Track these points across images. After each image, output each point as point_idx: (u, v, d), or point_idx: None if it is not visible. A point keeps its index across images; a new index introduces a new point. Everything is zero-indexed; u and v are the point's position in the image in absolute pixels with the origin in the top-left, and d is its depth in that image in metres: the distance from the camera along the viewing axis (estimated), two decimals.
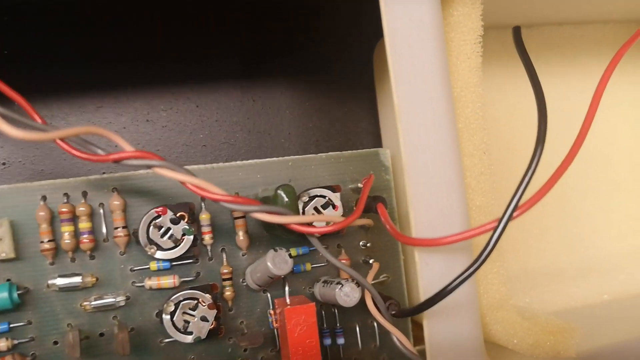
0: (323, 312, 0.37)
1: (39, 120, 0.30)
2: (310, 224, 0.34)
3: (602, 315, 0.40)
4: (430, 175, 0.31)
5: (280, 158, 0.37)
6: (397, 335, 0.33)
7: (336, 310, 0.37)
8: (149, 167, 0.30)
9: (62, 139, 0.29)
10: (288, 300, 0.36)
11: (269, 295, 0.36)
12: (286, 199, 0.33)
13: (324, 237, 0.36)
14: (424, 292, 0.31)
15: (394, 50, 0.30)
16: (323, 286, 0.36)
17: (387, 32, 0.30)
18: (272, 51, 0.43)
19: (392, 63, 0.30)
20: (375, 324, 0.38)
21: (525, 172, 0.28)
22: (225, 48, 0.43)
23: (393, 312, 0.32)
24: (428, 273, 0.31)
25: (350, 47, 0.43)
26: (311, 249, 0.37)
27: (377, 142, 0.44)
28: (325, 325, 0.37)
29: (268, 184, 0.36)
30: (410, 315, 0.31)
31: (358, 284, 0.34)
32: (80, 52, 0.40)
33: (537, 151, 0.29)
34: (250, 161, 0.36)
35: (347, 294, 0.34)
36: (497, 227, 0.28)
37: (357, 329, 0.38)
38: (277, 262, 0.33)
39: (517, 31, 0.31)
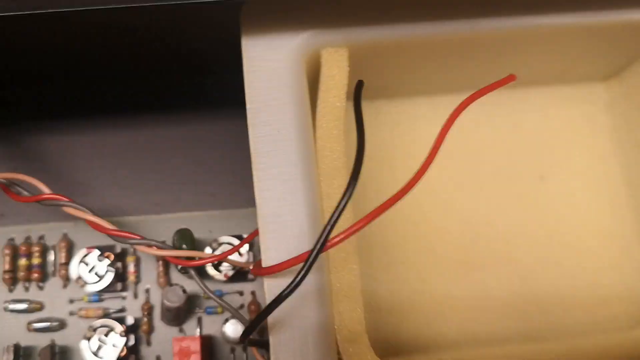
0: (233, 355, 0.41)
1: None
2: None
3: None
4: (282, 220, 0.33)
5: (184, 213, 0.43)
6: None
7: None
8: (60, 206, 0.38)
9: None
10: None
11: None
12: (182, 242, 0.39)
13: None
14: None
15: (252, 107, 0.34)
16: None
17: (248, 88, 0.34)
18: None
19: (250, 119, 0.34)
20: None
21: (335, 208, 0.30)
22: None
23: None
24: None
25: None
26: (224, 292, 0.41)
27: None
28: None
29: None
30: (251, 328, 0.32)
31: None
32: None
33: (350, 186, 0.30)
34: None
35: (231, 329, 0.38)
36: (308, 258, 0.30)
37: None
38: (169, 295, 0.38)
39: (359, 85, 0.34)
